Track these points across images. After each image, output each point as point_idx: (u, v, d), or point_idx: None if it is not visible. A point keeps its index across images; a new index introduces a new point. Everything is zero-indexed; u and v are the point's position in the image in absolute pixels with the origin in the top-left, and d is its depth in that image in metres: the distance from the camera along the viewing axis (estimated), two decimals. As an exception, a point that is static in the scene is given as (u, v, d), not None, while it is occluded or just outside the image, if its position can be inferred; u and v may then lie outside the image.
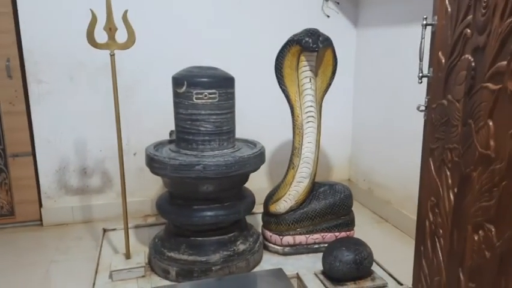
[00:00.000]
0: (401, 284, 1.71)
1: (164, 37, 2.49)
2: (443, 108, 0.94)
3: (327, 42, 1.93)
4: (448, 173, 0.92)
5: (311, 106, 1.97)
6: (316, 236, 2.00)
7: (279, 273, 1.73)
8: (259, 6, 2.64)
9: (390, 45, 2.51)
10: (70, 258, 2.17)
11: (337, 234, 2.02)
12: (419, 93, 2.23)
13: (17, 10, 2.30)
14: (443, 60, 0.93)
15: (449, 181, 0.91)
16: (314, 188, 2.03)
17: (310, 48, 1.86)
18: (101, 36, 1.68)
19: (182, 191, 1.81)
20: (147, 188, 2.69)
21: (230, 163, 1.70)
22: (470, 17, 0.81)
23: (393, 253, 1.98)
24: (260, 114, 2.66)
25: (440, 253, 0.98)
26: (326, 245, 1.98)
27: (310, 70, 1.95)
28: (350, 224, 2.04)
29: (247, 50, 2.64)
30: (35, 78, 2.40)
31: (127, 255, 1.85)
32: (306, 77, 1.96)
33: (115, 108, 1.71)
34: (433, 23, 0.96)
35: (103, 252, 2.02)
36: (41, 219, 2.56)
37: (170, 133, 2.20)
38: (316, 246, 2.01)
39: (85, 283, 1.92)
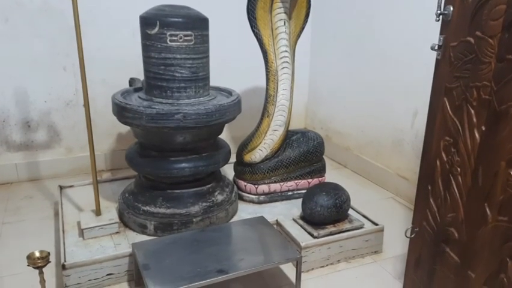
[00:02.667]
0: (377, 224, 1.79)
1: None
2: (468, 45, 0.94)
3: (303, -17, 1.85)
4: (473, 111, 0.93)
5: (286, 51, 1.90)
6: (291, 184, 2.01)
7: (261, 220, 1.73)
8: None
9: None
10: (23, 218, 2.00)
11: (310, 180, 2.04)
12: (380, 36, 2.27)
13: None
14: (469, -4, 0.91)
15: (474, 119, 0.93)
16: (287, 136, 2.02)
17: (287, -12, 1.77)
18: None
19: (157, 142, 1.70)
20: (99, 142, 2.49)
21: (211, 111, 1.61)
22: (513, -51, 0.79)
23: (358, 197, 2.05)
24: (226, 60, 2.54)
25: (456, 191, 1.01)
26: (300, 192, 2.01)
27: (285, 12, 1.87)
28: (322, 171, 2.07)
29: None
30: (-38, 18, 2.06)
31: (97, 212, 1.73)
32: (280, 20, 1.87)
33: (79, 53, 1.51)
34: (455, -41, 0.94)
35: (65, 210, 1.86)
36: (-20, 179, 2.31)
37: (131, 81, 2.03)
38: (290, 193, 2.02)
39: (49, 243, 1.78)
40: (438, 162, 1.07)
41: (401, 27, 2.14)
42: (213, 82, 1.83)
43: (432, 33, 1.15)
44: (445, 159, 1.04)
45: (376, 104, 2.39)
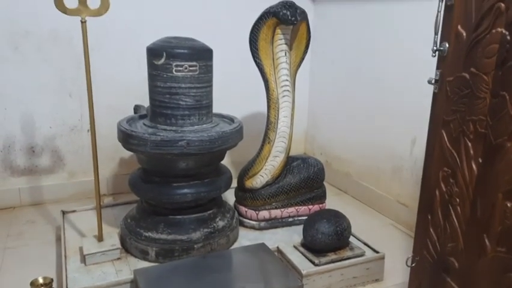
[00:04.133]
0: (377, 252, 1.80)
1: (125, 4, 2.30)
2: (463, 81, 0.98)
3: (304, 15, 1.91)
4: (470, 144, 0.96)
5: (286, 80, 1.95)
6: (291, 210, 2.03)
7: (262, 247, 1.74)
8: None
9: (348, 19, 2.57)
10: (25, 243, 2.00)
11: (310, 207, 2.06)
12: (379, 64, 2.33)
13: None
14: (464, 34, 0.96)
15: (471, 152, 0.96)
16: (288, 162, 2.05)
17: (288, 21, 1.83)
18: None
19: (160, 168, 1.73)
20: (101, 166, 2.50)
21: (214, 138, 1.65)
22: (504, -9, 0.83)
23: (358, 223, 2.06)
24: (228, 87, 2.59)
25: (455, 221, 1.03)
26: (300, 218, 2.02)
27: (286, 43, 1.93)
28: (322, 197, 2.09)
29: (208, 21, 2.54)
30: (-27, 46, 2.12)
31: (100, 238, 1.74)
32: (281, 51, 1.93)
33: (87, 79, 1.56)
34: (450, -3, 0.98)
35: (67, 235, 1.88)
36: (-17, 203, 2.32)
37: (136, 108, 2.07)
38: (290, 219, 2.04)
39: (51, 269, 1.79)
40: (437, 192, 1.10)
41: (400, 56, 2.20)
42: (215, 107, 1.87)
43: (431, 61, 1.19)
44: (444, 189, 1.06)
45: (375, 130, 2.43)
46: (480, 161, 0.94)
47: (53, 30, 2.23)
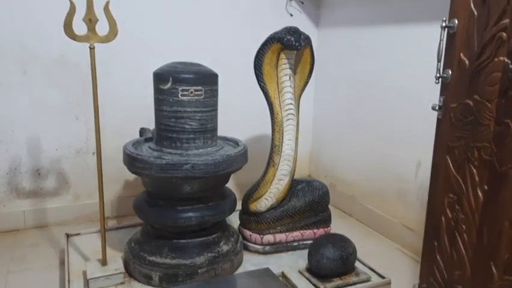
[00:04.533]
0: (384, 277, 1.78)
1: (130, 29, 2.35)
2: (467, 107, 0.98)
3: (308, 41, 1.94)
4: (475, 170, 0.96)
5: (291, 104, 1.97)
6: (296, 234, 2.01)
7: (267, 272, 1.72)
8: (223, 1, 2.59)
9: (351, 45, 2.60)
10: (29, 267, 1.99)
11: (315, 231, 2.04)
12: (383, 88, 2.35)
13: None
14: (467, 62, 0.97)
15: (476, 178, 0.96)
16: (292, 186, 2.04)
17: (293, 46, 1.86)
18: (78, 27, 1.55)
19: (165, 191, 1.73)
20: (105, 189, 2.49)
21: (218, 162, 1.65)
22: (506, 21, 0.85)
23: (364, 247, 2.05)
24: (233, 108, 2.61)
25: (462, 248, 1.02)
26: (305, 242, 2.01)
27: (290, 68, 1.95)
28: (327, 221, 2.08)
29: (213, 46, 2.59)
30: (-18, 70, 2.16)
31: (103, 262, 1.73)
32: (285, 75, 1.95)
33: (94, 103, 1.59)
34: (452, 25, 1.00)
35: (71, 259, 1.87)
36: (-13, 226, 2.32)
37: (141, 131, 2.09)
38: (295, 243, 2.02)
39: (54, 294, 1.77)
40: (443, 219, 1.09)
41: (403, 79, 2.22)
42: (220, 130, 1.88)
43: (435, 86, 1.20)
44: (450, 215, 1.06)
45: (379, 153, 2.43)
46: (485, 188, 0.94)
47: (61, 55, 2.27)
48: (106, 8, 1.52)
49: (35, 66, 2.24)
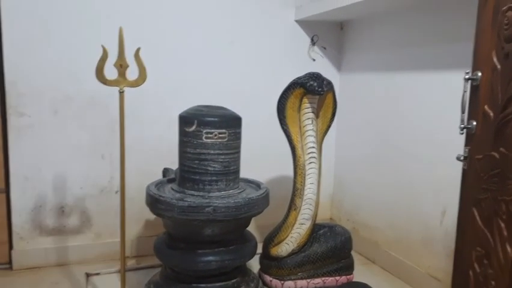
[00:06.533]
0: (409, 330, 1.70)
1: (156, 74, 2.43)
2: (493, 160, 0.97)
3: (330, 86, 1.97)
4: (503, 224, 0.94)
5: (313, 147, 1.98)
6: (318, 281, 1.97)
7: (287, 320, 1.67)
8: (248, 46, 2.67)
9: (374, 89, 2.62)
10: (48, 306, 1.99)
11: (338, 278, 1.99)
12: (406, 134, 2.34)
13: (1, 39, 2.18)
14: (491, 114, 0.97)
15: (505, 233, 0.93)
16: (314, 230, 2.01)
17: (316, 91, 1.89)
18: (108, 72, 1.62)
19: (186, 233, 1.73)
20: (127, 228, 2.52)
21: (240, 205, 1.65)
22: (531, 75, 0.85)
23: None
24: (255, 150, 2.63)
25: (493, 304, 0.98)
26: (327, 289, 1.96)
27: (313, 112, 1.98)
28: (350, 268, 2.03)
29: (237, 90, 2.64)
30: (16, 111, 2.25)
31: (122, 304, 1.72)
32: (308, 119, 1.98)
33: (121, 146, 1.63)
34: (475, 77, 1.01)
35: (89, 300, 1.86)
36: (10, 263, 2.34)
37: (164, 171, 2.12)
38: (317, 290, 1.97)
39: (72, 336, 1.75)
40: (471, 273, 1.05)
41: (427, 125, 2.20)
42: (242, 171, 1.89)
43: (459, 132, 1.18)
44: (478, 270, 1.02)
45: (403, 198, 2.38)
46: (515, 243, 0.91)
47: (91, 97, 2.36)
48: (137, 54, 1.59)
49: (66, 106, 2.33)
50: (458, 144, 1.19)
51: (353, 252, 2.08)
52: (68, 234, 2.45)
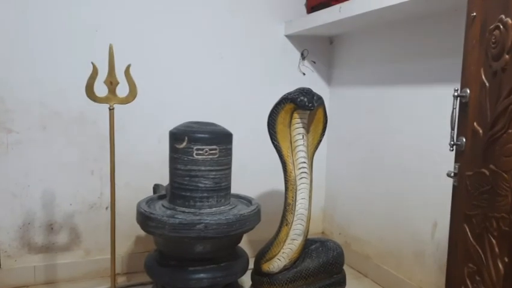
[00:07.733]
0: None
1: (146, 89, 2.42)
2: (483, 176, 0.98)
3: (320, 101, 1.98)
4: (494, 241, 0.94)
5: (304, 162, 1.98)
6: (310, 296, 1.95)
7: (279, 338, 1.65)
8: (238, 61, 2.68)
9: (363, 103, 2.64)
10: (35, 327, 1.95)
11: (330, 293, 1.98)
12: (396, 147, 2.35)
13: (-12, 55, 2.17)
14: (481, 131, 0.98)
15: (496, 249, 0.94)
16: (306, 245, 2.00)
17: (306, 106, 1.89)
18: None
19: (177, 251, 1.71)
20: (117, 245, 2.50)
21: (231, 221, 1.64)
22: (518, 94, 0.86)
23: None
24: (243, 168, 2.62)
25: (485, 321, 0.98)
26: (319, 305, 1.94)
27: (303, 127, 1.98)
28: (342, 283, 2.02)
29: (227, 105, 2.65)
30: (4, 127, 2.22)
31: (112, 324, 1.69)
32: (298, 134, 1.98)
33: (111, 162, 1.61)
34: (464, 94, 1.02)
35: (79, 320, 1.83)
36: (-3, 282, 2.30)
37: (155, 187, 2.11)
38: (309, 307, 1.95)
39: None
40: (463, 289, 1.05)
41: (418, 139, 2.22)
42: (233, 187, 1.88)
43: (449, 147, 1.19)
44: (470, 287, 1.02)
45: (394, 212, 2.39)
46: (506, 260, 0.91)
47: (80, 112, 2.34)
48: (127, 71, 1.59)
49: (55, 122, 2.31)
50: (447, 156, 1.19)
51: (345, 266, 2.07)
52: (58, 252, 2.41)
